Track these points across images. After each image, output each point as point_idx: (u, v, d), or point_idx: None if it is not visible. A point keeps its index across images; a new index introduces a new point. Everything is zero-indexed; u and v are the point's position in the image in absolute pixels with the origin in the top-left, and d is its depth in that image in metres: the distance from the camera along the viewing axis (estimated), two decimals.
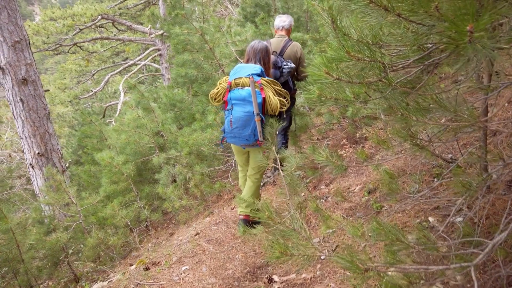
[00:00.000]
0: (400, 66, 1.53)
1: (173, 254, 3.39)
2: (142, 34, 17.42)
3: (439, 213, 2.53)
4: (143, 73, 20.06)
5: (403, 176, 3.39)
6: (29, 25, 15.89)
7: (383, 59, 1.42)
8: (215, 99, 3.17)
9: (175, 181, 6.34)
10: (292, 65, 3.79)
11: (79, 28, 15.90)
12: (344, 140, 4.96)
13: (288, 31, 4.24)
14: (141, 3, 16.79)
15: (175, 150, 6.16)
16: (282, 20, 4.22)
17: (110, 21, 16.80)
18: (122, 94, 15.51)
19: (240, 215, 3.44)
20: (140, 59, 17.54)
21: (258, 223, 3.20)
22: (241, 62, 6.00)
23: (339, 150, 4.57)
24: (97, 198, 6.04)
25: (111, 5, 16.48)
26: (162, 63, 16.46)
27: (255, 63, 3.22)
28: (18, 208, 10.70)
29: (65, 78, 21.30)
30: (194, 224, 4.50)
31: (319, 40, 5.71)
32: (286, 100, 3.08)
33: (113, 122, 14.02)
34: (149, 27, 15.71)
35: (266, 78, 3.07)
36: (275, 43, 4.10)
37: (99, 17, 15.97)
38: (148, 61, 17.29)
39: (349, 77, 1.46)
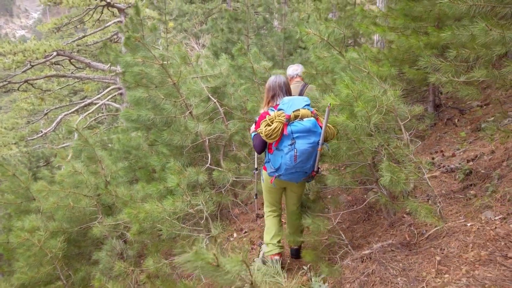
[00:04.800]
0: None
1: None
2: (102, 72, 15.56)
3: None
4: (102, 113, 18.02)
5: None
6: None
7: None
8: (270, 136, 2.79)
9: (122, 258, 4.46)
10: None
11: (30, 64, 13.86)
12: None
13: (301, 77, 4.32)
14: (102, 41, 15.06)
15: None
16: (294, 69, 4.33)
17: (66, 58, 14.88)
18: (76, 135, 13.26)
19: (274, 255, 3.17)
20: (99, 98, 15.60)
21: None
22: (216, 101, 4.40)
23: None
24: None
25: (68, 41, 14.63)
26: (123, 102, 14.63)
27: (283, 96, 3.08)
28: None
29: (18, 117, 18.82)
30: None
31: (315, 76, 4.25)
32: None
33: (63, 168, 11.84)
34: (108, 65, 13.93)
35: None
36: (294, 88, 4.10)
37: (54, 53, 14.05)
38: (107, 100, 15.37)
39: None
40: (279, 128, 2.78)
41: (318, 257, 2.88)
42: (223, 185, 4.11)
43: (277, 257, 3.11)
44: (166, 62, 4.50)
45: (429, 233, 2.72)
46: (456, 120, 4.87)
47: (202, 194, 3.47)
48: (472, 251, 2.28)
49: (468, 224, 2.58)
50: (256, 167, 3.72)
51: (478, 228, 2.50)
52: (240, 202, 4.61)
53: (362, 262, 2.74)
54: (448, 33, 3.00)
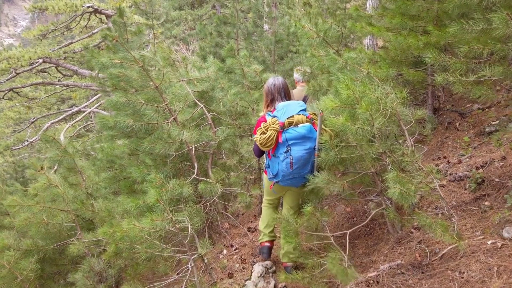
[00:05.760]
0: None
1: None
2: (90, 79, 15.06)
3: None
4: (91, 121, 17.51)
5: None
6: None
7: None
8: (265, 144, 2.77)
9: (102, 279, 4.03)
10: None
11: (15, 72, 13.36)
12: None
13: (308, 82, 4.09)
14: (90, 47, 14.58)
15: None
16: (301, 74, 4.18)
17: (53, 65, 14.39)
18: (62, 143, 12.72)
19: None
20: (87, 106, 15.12)
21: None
22: (203, 106, 4.04)
23: None
24: None
25: (54, 48, 14.15)
26: (112, 110, 14.15)
27: (281, 100, 2.98)
28: None
29: (4, 127, 18.21)
30: None
31: (310, 76, 3.92)
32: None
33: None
34: (96, 71, 13.46)
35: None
36: (298, 93, 4.15)
37: (40, 60, 13.57)
38: (96, 108, 14.88)
39: None
40: (274, 136, 2.73)
41: (318, 282, 2.51)
42: (211, 197, 3.72)
43: (268, 244, 3.25)
44: (152, 67, 4.15)
45: (443, 252, 2.37)
46: (457, 124, 4.57)
47: (187, 208, 3.08)
48: (499, 276, 1.93)
49: (489, 242, 2.24)
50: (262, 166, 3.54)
51: (501, 247, 2.15)
52: (230, 215, 4.22)
53: (368, 286, 2.37)
54: (457, 28, 2.68)
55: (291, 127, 2.73)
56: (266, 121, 2.81)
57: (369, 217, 2.81)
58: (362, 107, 2.34)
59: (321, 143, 2.72)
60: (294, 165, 2.75)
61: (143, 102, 3.39)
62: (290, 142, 2.73)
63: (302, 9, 13.33)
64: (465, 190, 3.01)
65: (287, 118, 2.75)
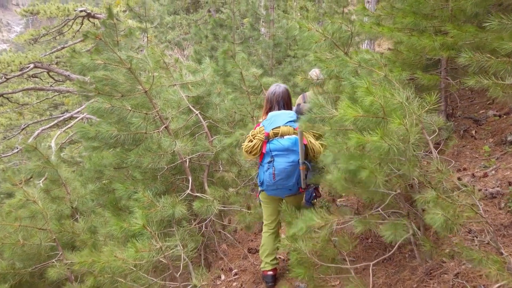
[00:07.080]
0: None
1: None
2: (73, 83, 14.54)
3: None
4: None
5: None
6: None
7: None
8: (250, 152, 2.79)
9: None
10: None
11: (5, 78, 12.82)
12: None
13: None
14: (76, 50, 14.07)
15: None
16: (317, 75, 3.86)
17: (45, 70, 13.87)
18: (53, 150, 12.22)
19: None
20: (79, 112, 14.59)
21: None
22: (198, 113, 3.59)
23: None
24: None
25: (45, 52, 13.65)
26: (96, 118, 13.62)
27: (279, 109, 2.92)
28: None
29: None
30: None
31: (320, 82, 3.49)
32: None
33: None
34: (88, 77, 12.96)
35: None
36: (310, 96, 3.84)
37: (31, 65, 13.05)
38: (88, 114, 14.36)
39: None
40: (258, 145, 2.76)
41: None
42: (208, 217, 3.26)
43: (271, 273, 3.01)
44: (144, 71, 3.70)
45: None
46: (474, 132, 4.16)
47: (180, 231, 2.62)
48: None
49: None
50: None
51: None
52: (228, 234, 3.75)
53: None
54: (495, 22, 2.27)
55: (276, 138, 2.73)
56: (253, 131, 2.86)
57: (396, 246, 2.35)
58: (395, 121, 1.89)
59: (308, 159, 2.70)
60: (277, 176, 2.72)
61: (129, 108, 2.93)
62: (273, 153, 2.73)
63: (299, 14, 12.98)
64: (500, 209, 2.59)
65: (272, 129, 2.75)
